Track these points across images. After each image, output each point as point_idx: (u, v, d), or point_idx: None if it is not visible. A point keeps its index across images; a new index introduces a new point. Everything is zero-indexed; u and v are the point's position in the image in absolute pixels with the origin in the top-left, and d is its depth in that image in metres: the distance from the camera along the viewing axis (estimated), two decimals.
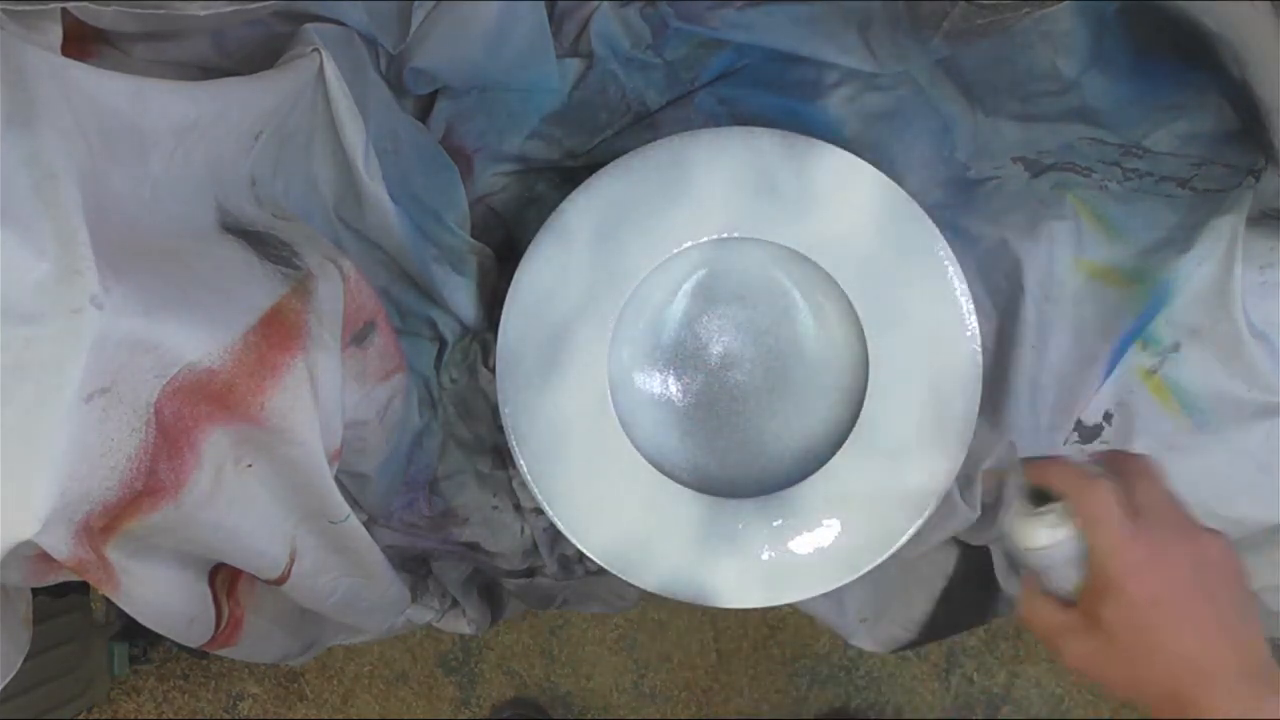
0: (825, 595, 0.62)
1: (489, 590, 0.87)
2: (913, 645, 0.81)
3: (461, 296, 0.64)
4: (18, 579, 0.42)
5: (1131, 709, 1.17)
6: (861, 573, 0.60)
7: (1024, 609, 0.49)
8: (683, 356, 0.64)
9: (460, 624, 0.85)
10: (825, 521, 0.60)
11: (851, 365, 0.62)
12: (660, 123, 0.65)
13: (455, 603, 0.83)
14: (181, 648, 1.19)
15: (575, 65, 0.64)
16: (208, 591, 0.55)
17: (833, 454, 0.60)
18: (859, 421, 0.60)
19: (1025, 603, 0.49)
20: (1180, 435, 0.61)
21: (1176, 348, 0.61)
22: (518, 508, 0.72)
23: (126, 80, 0.40)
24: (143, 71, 0.43)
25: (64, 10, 0.41)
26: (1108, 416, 0.63)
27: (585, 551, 0.61)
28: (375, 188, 0.56)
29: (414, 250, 0.61)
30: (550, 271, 0.60)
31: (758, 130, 0.59)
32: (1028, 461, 0.50)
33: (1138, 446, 0.62)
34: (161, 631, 0.50)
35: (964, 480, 0.64)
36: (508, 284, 0.61)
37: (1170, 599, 0.42)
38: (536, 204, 0.68)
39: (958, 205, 0.64)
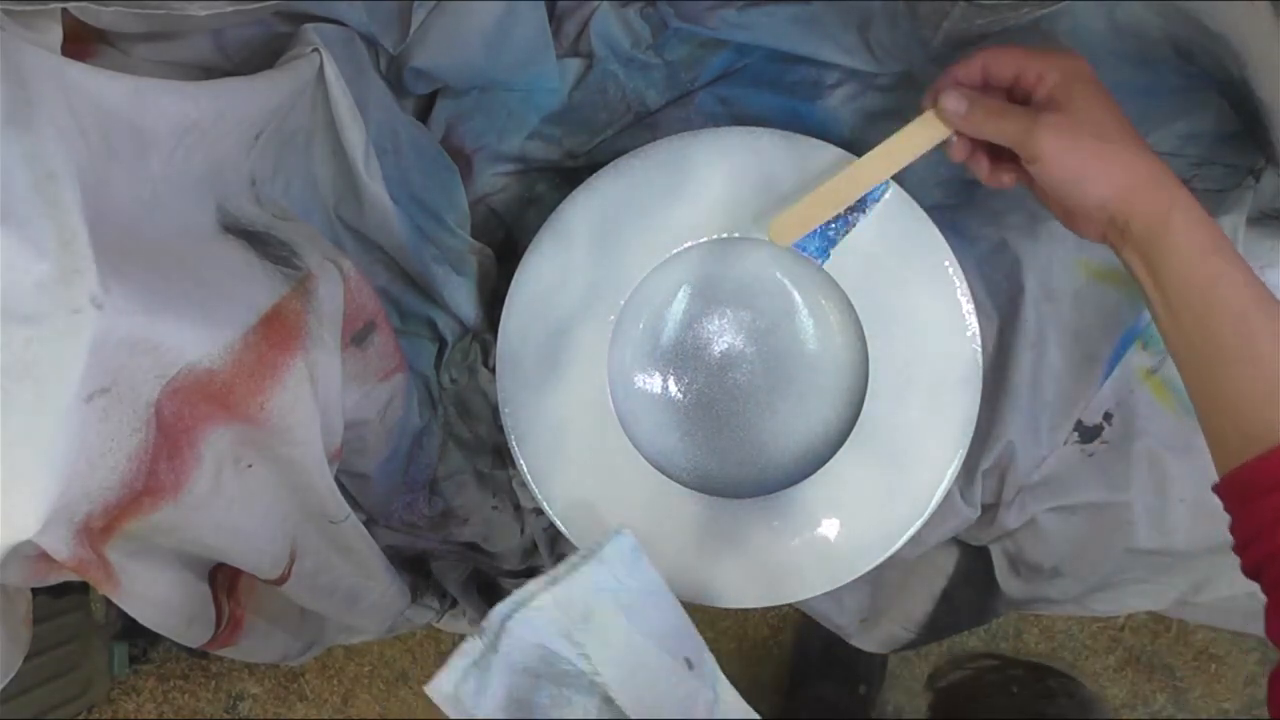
0: (825, 595, 0.62)
1: (489, 590, 0.87)
2: (913, 645, 0.81)
3: (461, 296, 0.64)
4: (18, 579, 0.42)
5: (1127, 710, 1.17)
6: (861, 573, 0.60)
7: (979, 110, 0.49)
8: (683, 357, 0.64)
9: (460, 624, 0.85)
10: (825, 521, 0.60)
11: (851, 365, 0.62)
12: (660, 123, 0.65)
13: (455, 603, 0.83)
14: (181, 648, 1.19)
15: (575, 65, 0.64)
16: (208, 591, 0.55)
17: (833, 454, 0.60)
18: (859, 421, 0.60)
19: (978, 104, 0.49)
20: (1180, 435, 0.61)
21: None
22: (518, 508, 0.72)
23: (126, 80, 0.40)
24: (143, 71, 0.43)
25: (64, 10, 0.41)
26: (1108, 416, 0.63)
27: None
28: (375, 188, 0.56)
29: (414, 250, 0.60)
30: (550, 271, 0.60)
31: (758, 130, 0.59)
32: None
33: (1138, 446, 0.62)
34: (161, 631, 0.50)
35: (964, 480, 0.64)
36: (508, 284, 0.61)
37: (1123, 116, 0.48)
38: (536, 204, 0.68)
39: (958, 205, 0.64)
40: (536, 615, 0.46)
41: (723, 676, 0.49)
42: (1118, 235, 0.47)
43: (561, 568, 0.48)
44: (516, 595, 0.47)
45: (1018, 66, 0.49)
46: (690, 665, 0.48)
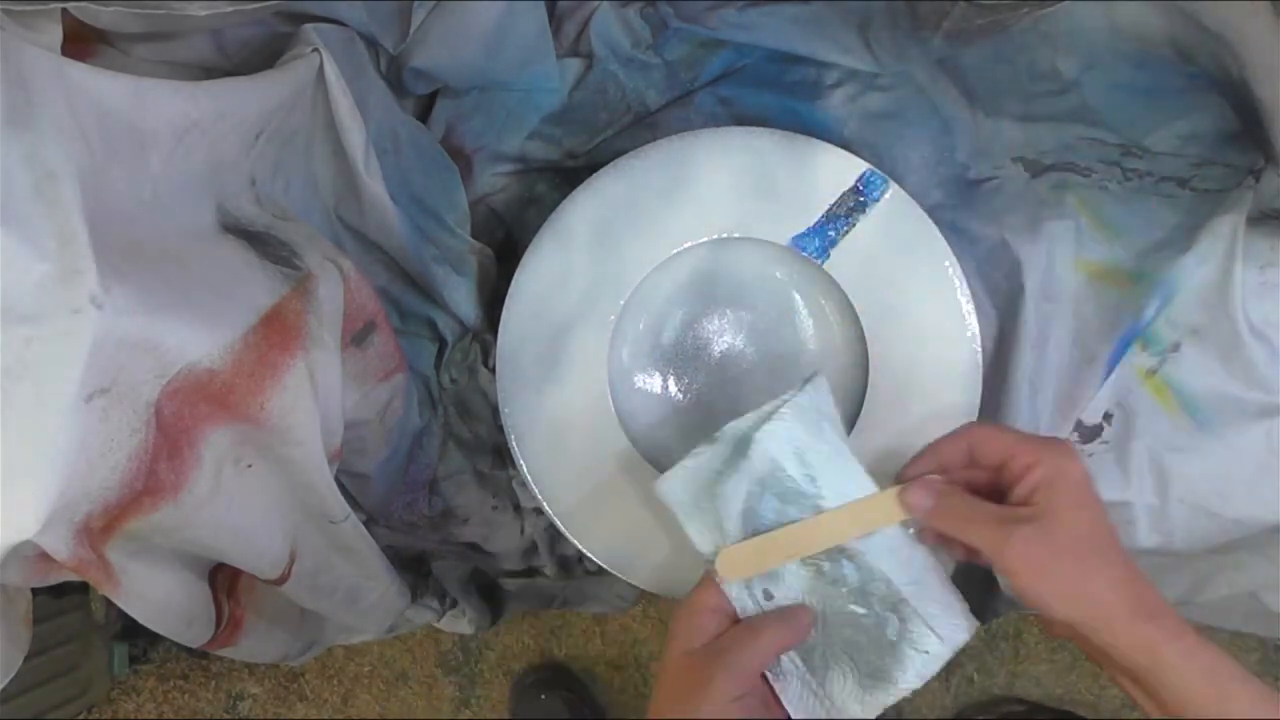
0: None
1: (489, 590, 0.87)
2: None
3: (461, 296, 0.64)
4: (18, 579, 0.42)
5: (1130, 710, 1.17)
6: None
7: (946, 507, 0.48)
8: (683, 356, 0.64)
9: (460, 624, 0.85)
10: None
11: (851, 365, 0.62)
12: (660, 123, 0.65)
13: (455, 603, 0.83)
14: (181, 648, 1.19)
15: (575, 65, 0.64)
16: (208, 591, 0.55)
17: None
18: (859, 421, 0.60)
19: (946, 500, 0.48)
20: (1180, 435, 0.61)
21: (1176, 348, 0.61)
22: (518, 508, 0.72)
23: (126, 80, 0.40)
24: (143, 71, 0.43)
25: (64, 10, 0.41)
26: (1108, 416, 0.63)
27: (585, 551, 0.61)
28: (375, 188, 0.56)
29: (414, 250, 0.61)
30: (550, 271, 0.60)
31: (758, 130, 0.59)
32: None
33: (1138, 446, 0.62)
34: (161, 631, 0.50)
35: None
36: (508, 284, 0.61)
37: (1108, 528, 0.46)
38: (536, 204, 0.68)
39: (958, 205, 0.64)
40: (779, 426, 0.49)
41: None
42: (1097, 654, 0.45)
43: (787, 394, 0.50)
44: (757, 412, 0.50)
45: (1004, 454, 0.47)
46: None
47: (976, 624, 0.50)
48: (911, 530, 0.50)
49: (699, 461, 0.50)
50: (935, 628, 0.49)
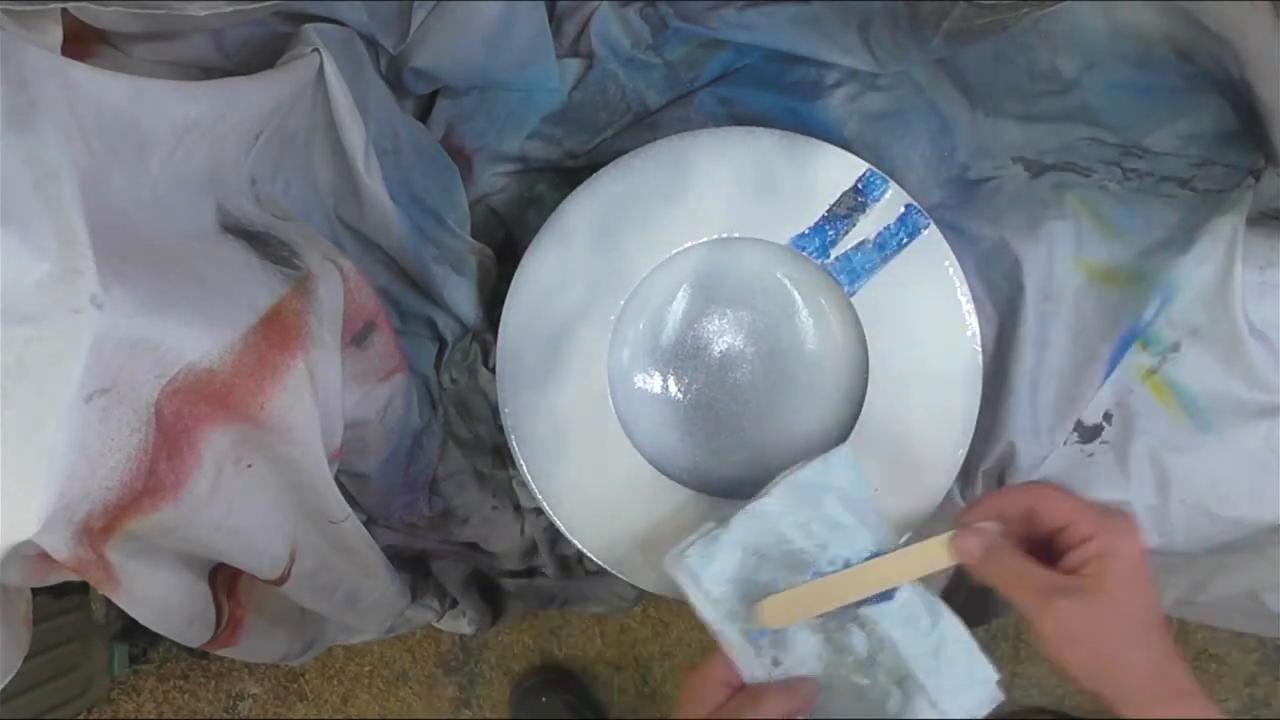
0: None
1: (489, 590, 0.87)
2: None
3: (461, 296, 0.64)
4: (18, 579, 0.42)
5: None
6: None
7: (995, 561, 0.48)
8: (683, 356, 0.64)
9: (460, 624, 0.85)
10: None
11: (851, 365, 0.62)
12: (660, 123, 0.65)
13: (455, 603, 0.83)
14: (181, 648, 1.19)
15: (575, 65, 0.64)
16: (208, 591, 0.55)
17: None
18: (859, 421, 0.60)
19: (996, 555, 0.48)
20: (1180, 435, 0.61)
21: (1176, 348, 0.61)
22: (518, 508, 0.72)
23: (126, 80, 0.40)
24: (143, 71, 0.43)
25: (64, 10, 0.41)
26: (1108, 416, 0.63)
27: (585, 551, 0.61)
28: (375, 188, 0.56)
29: (414, 250, 0.60)
30: (550, 271, 0.60)
31: (758, 130, 0.59)
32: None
33: (1138, 446, 0.62)
34: (161, 631, 0.50)
35: (964, 480, 0.64)
36: (508, 284, 0.61)
37: (1153, 610, 0.45)
38: (536, 204, 0.68)
39: (958, 205, 0.64)
40: (770, 504, 0.51)
41: (942, 603, 0.51)
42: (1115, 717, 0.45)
43: (789, 470, 0.53)
44: (757, 497, 0.52)
45: (1066, 519, 0.47)
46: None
47: (999, 696, 0.50)
48: (937, 591, 0.51)
49: (698, 533, 0.52)
50: (939, 702, 0.49)
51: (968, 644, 0.50)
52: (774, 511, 0.51)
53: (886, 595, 0.50)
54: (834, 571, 0.50)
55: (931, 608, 0.50)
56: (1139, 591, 0.45)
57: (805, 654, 0.50)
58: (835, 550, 0.51)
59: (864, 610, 0.50)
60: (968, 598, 0.76)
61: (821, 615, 0.50)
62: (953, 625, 0.50)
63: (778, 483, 0.52)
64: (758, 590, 0.50)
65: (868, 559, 0.51)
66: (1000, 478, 0.65)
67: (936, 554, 0.49)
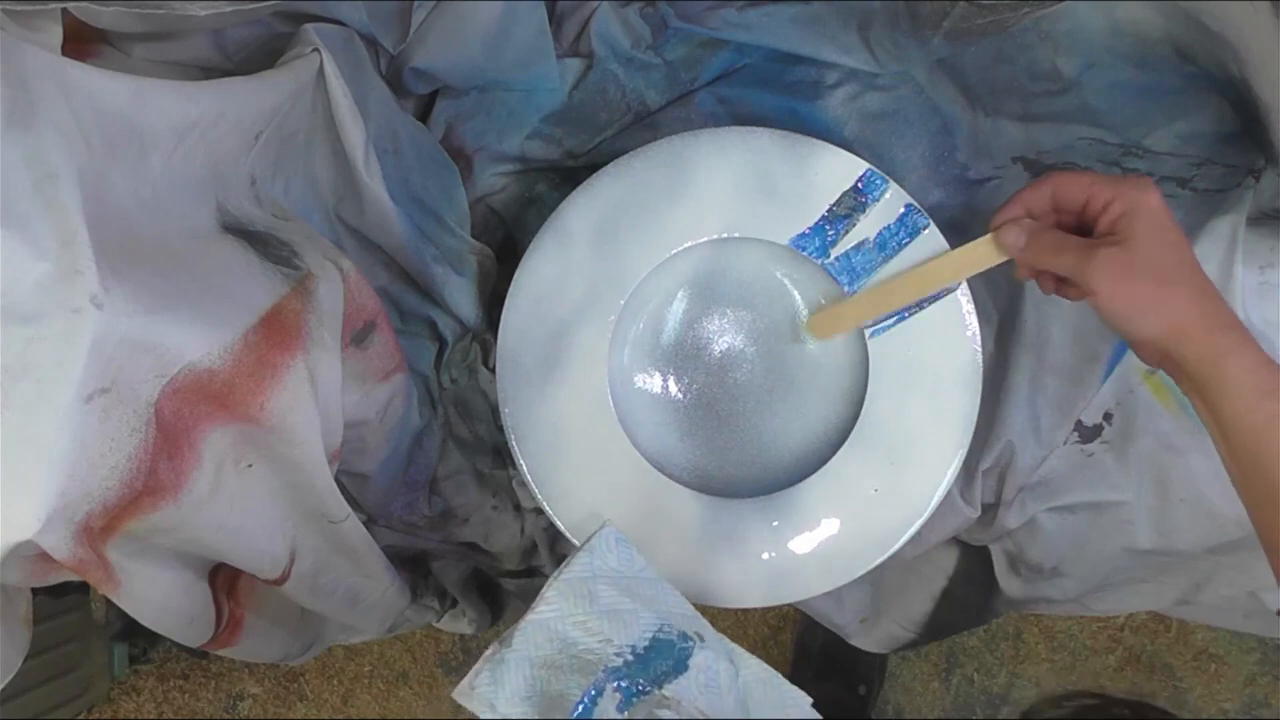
0: (825, 595, 0.62)
1: (489, 590, 0.87)
2: (913, 645, 0.81)
3: (461, 296, 0.64)
4: (18, 579, 0.42)
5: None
6: (861, 573, 0.60)
7: (1037, 242, 0.50)
8: (683, 357, 0.64)
9: (460, 624, 0.85)
10: (825, 521, 0.60)
11: (851, 365, 0.62)
12: (660, 123, 0.65)
13: (455, 603, 0.83)
14: (181, 648, 1.19)
15: (575, 65, 0.64)
16: (208, 591, 0.55)
17: (833, 454, 0.60)
18: (859, 421, 0.60)
19: (1037, 237, 0.51)
20: (1180, 435, 0.61)
21: None
22: (518, 508, 0.72)
23: (126, 80, 0.40)
24: (143, 71, 0.43)
25: (64, 10, 0.41)
26: (1108, 416, 0.63)
27: None
28: (375, 188, 0.56)
29: (414, 250, 0.61)
30: (550, 271, 0.60)
31: (758, 130, 0.59)
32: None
33: (1138, 446, 0.62)
34: (161, 631, 0.50)
35: (964, 480, 0.64)
36: (508, 284, 0.61)
37: (1186, 250, 0.48)
38: (536, 204, 0.68)
39: (958, 205, 0.64)
40: (546, 610, 0.50)
41: (736, 647, 0.52)
42: (1174, 369, 0.48)
43: (560, 568, 0.51)
44: (533, 606, 0.51)
45: (1086, 193, 0.49)
46: (702, 639, 0.51)
47: (817, 717, 0.51)
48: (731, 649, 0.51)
49: (483, 660, 0.50)
50: None
51: (773, 681, 0.51)
52: (551, 617, 0.50)
53: (681, 666, 0.50)
54: (623, 663, 0.49)
55: (730, 655, 0.51)
56: (1168, 235, 0.48)
57: None
58: (620, 641, 0.50)
59: (666, 689, 0.49)
60: (967, 598, 0.76)
61: (629, 708, 0.49)
62: (753, 667, 0.51)
63: (550, 585, 0.51)
64: (555, 704, 0.48)
65: (654, 634, 0.50)
66: (1000, 478, 0.65)
67: (984, 252, 0.54)
